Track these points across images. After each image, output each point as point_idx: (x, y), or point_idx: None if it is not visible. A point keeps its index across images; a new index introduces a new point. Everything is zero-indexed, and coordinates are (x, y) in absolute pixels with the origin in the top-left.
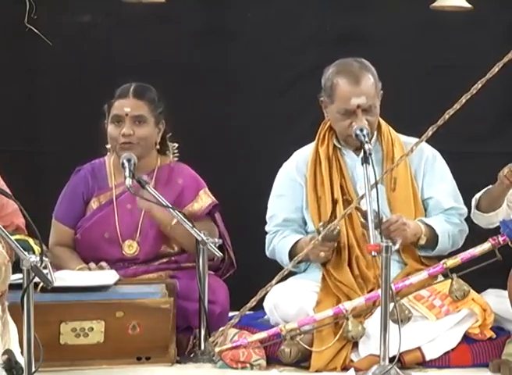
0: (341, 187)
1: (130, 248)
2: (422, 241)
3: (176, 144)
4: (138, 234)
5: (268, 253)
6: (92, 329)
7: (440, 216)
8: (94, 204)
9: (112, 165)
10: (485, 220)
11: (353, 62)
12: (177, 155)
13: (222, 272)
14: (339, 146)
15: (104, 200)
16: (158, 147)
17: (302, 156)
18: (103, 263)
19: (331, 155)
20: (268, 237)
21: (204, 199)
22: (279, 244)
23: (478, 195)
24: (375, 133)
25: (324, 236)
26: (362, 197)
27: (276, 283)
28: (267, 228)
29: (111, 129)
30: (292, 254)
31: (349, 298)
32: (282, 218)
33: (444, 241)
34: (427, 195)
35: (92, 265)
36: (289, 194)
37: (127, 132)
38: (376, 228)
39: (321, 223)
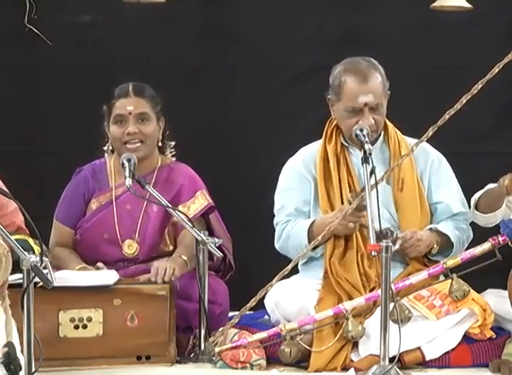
0: (348, 185)
1: (130, 248)
2: (434, 251)
3: (173, 143)
4: (137, 234)
5: (278, 245)
6: (90, 319)
7: (449, 223)
8: (93, 204)
9: (113, 166)
10: (483, 220)
11: (361, 60)
12: (174, 152)
13: (222, 273)
14: (346, 144)
15: (104, 201)
16: (159, 144)
17: (309, 153)
18: (99, 264)
19: (339, 153)
20: (278, 227)
21: (201, 201)
22: (293, 229)
23: (477, 195)
24: (382, 133)
25: (355, 205)
26: (362, 197)
27: (276, 282)
28: (276, 220)
29: (114, 129)
30: (311, 235)
31: (350, 296)
32: (294, 208)
33: (457, 249)
34: (436, 200)
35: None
36: (298, 188)
37: (133, 130)
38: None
39: (350, 194)
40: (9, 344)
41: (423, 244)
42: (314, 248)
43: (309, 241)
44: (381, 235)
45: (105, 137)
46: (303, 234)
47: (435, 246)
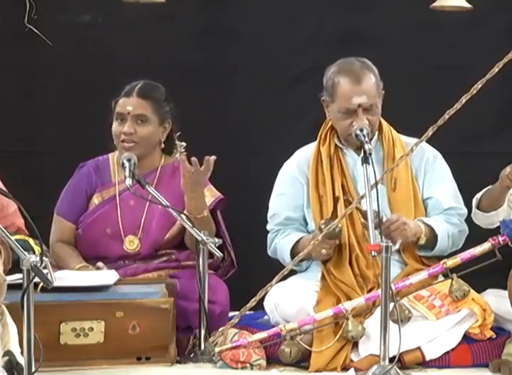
0: (342, 186)
1: (131, 243)
2: (422, 241)
3: (184, 143)
4: (140, 231)
5: (269, 252)
6: (92, 329)
7: (440, 216)
8: (96, 199)
9: (116, 161)
10: (485, 220)
11: (354, 61)
12: (185, 153)
13: (222, 272)
14: (341, 146)
15: (106, 196)
16: (163, 146)
17: (303, 155)
18: (100, 264)
19: (332, 154)
20: (269, 236)
21: (212, 193)
22: (280, 242)
23: (478, 195)
24: (376, 133)
25: (326, 234)
26: (362, 197)
27: (276, 283)
28: (268, 227)
29: (114, 126)
30: (293, 252)
31: (349, 298)
32: (284, 216)
33: (443, 241)
34: (427, 195)
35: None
36: (291, 193)
37: (128, 130)
38: (376, 228)
39: (322, 221)
40: (8, 353)
41: (409, 230)
42: (301, 260)
43: (292, 259)
44: (367, 216)
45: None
46: (286, 253)
47: (422, 236)
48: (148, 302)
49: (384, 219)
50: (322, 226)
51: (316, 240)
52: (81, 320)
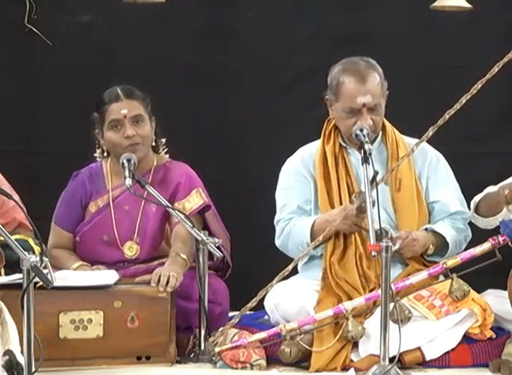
0: (347, 185)
1: (131, 249)
2: (430, 251)
3: (164, 140)
4: (136, 235)
5: (278, 242)
6: (91, 321)
7: (446, 222)
8: (92, 208)
9: (109, 168)
10: (483, 223)
11: (359, 60)
12: (166, 149)
13: (222, 272)
14: (345, 145)
15: (101, 203)
16: (153, 144)
17: (308, 152)
18: (100, 267)
19: (337, 153)
20: (280, 224)
21: (196, 199)
22: (295, 226)
23: (477, 198)
24: (380, 133)
25: (357, 207)
26: (361, 196)
27: (276, 283)
28: (278, 217)
29: (110, 135)
30: (313, 232)
31: (350, 297)
32: (297, 205)
33: (452, 249)
34: (432, 199)
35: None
36: (298, 187)
37: (131, 133)
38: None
39: (354, 194)
40: (9, 352)
41: (418, 244)
42: (315, 246)
43: (311, 239)
44: (376, 234)
45: (96, 143)
46: (305, 232)
47: (430, 246)
48: (146, 291)
49: (394, 236)
50: (354, 199)
51: (344, 210)
52: (80, 310)
